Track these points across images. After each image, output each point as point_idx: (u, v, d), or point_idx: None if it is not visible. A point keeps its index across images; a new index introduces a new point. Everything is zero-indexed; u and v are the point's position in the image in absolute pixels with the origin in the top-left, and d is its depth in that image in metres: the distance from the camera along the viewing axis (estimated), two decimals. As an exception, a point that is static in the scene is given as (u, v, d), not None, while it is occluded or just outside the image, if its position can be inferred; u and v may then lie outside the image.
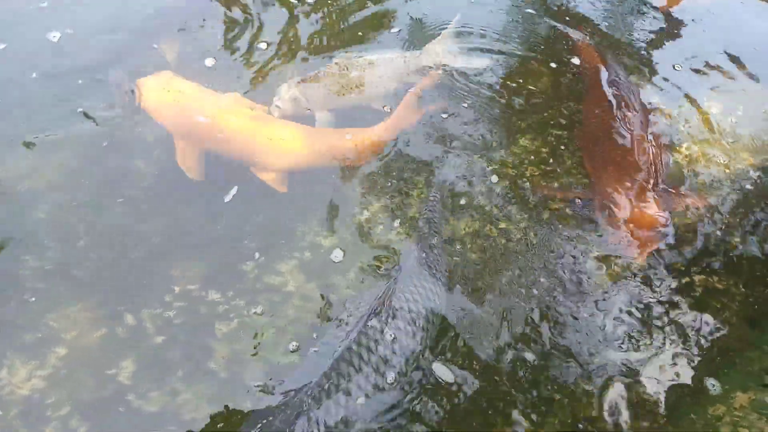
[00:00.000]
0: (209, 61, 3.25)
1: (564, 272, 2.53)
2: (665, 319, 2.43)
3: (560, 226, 2.68)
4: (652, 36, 3.60)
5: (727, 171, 2.92)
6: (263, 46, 3.38)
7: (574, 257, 2.59)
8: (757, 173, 2.92)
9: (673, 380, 2.25)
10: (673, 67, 3.39)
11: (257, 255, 2.60)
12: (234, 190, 2.77)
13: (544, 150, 2.96)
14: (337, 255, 2.61)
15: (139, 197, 2.79)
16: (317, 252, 2.62)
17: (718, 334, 2.39)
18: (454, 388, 2.21)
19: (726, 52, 3.47)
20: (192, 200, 2.78)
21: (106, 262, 2.58)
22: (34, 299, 2.45)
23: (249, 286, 2.52)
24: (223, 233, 2.68)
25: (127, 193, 2.81)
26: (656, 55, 3.48)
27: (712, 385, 2.24)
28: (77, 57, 3.25)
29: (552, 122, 3.08)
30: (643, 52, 3.49)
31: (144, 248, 2.63)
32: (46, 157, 2.90)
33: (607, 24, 3.66)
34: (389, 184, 2.84)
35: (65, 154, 2.91)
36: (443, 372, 2.21)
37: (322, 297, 2.48)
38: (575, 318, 2.42)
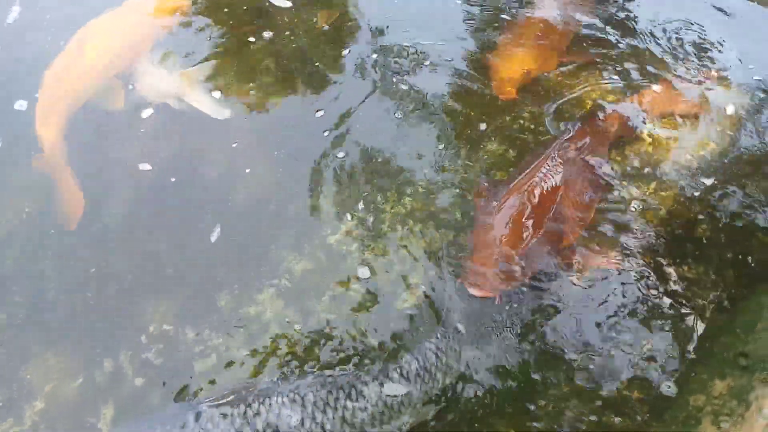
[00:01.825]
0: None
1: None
2: (637, 311, 2.46)
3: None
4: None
5: (690, 157, 2.97)
6: None
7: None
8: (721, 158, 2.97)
9: (651, 375, 2.29)
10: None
11: (231, 285, 2.57)
12: (218, 229, 2.73)
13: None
14: (312, 279, 2.59)
15: (107, 236, 2.74)
16: (293, 277, 2.60)
17: (692, 323, 2.42)
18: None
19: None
20: (161, 235, 2.75)
21: (78, 307, 2.54)
22: (5, 354, 2.40)
23: (225, 319, 2.49)
24: (195, 266, 2.64)
25: (94, 231, 2.76)
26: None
27: (693, 374, 2.28)
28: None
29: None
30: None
31: (115, 288, 2.59)
32: (4, 201, 2.84)
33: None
34: (360, 197, 2.83)
35: (25, 197, 2.85)
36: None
37: (301, 324, 2.46)
38: (549, 316, 2.45)
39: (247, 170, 2.93)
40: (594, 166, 2.83)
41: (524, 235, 2.47)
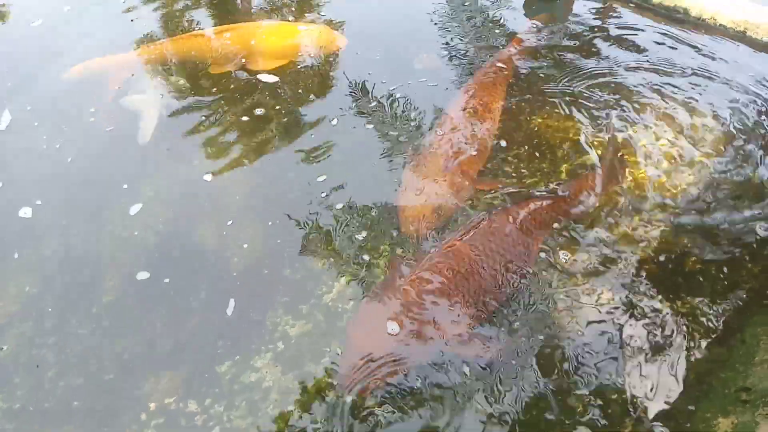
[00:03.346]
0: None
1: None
2: (636, 349, 2.47)
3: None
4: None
5: (674, 191, 3.02)
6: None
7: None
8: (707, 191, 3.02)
9: (651, 413, 2.28)
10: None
11: (230, 354, 2.58)
12: (232, 303, 2.74)
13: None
14: (309, 341, 2.60)
15: (103, 314, 2.76)
16: (289, 341, 2.61)
17: (691, 359, 2.43)
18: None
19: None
20: (155, 309, 2.75)
21: (77, 390, 2.53)
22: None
23: (226, 389, 2.49)
24: (192, 338, 2.65)
25: (91, 311, 2.77)
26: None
27: (696, 412, 2.27)
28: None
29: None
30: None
31: (114, 367, 2.58)
32: (2, 287, 2.86)
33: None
34: (352, 254, 2.87)
35: (20, 282, 2.87)
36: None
37: (301, 388, 2.46)
38: (541, 356, 2.45)
39: (245, 245, 2.95)
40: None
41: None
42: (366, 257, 2.83)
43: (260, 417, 2.40)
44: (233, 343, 2.63)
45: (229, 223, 3.03)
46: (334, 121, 3.49)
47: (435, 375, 2.40)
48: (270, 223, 3.03)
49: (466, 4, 4.37)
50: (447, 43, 4.04)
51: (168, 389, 2.50)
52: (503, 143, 3.29)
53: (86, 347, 2.65)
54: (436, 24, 4.22)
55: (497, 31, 4.09)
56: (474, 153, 3.17)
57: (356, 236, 2.92)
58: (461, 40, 4.05)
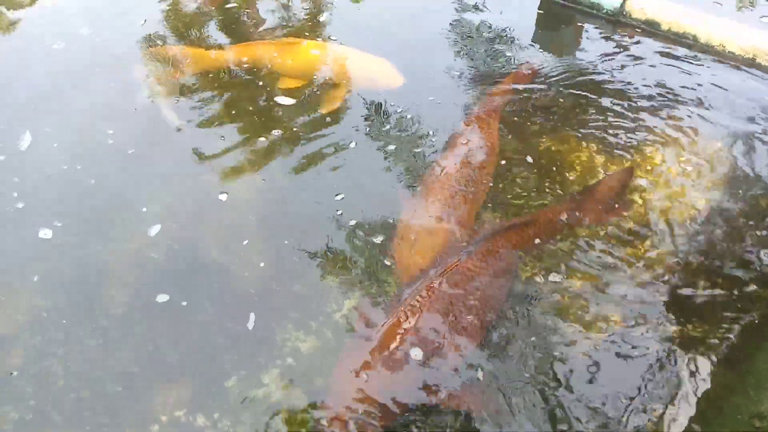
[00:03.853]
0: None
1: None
2: (646, 374, 2.46)
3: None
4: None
5: (685, 215, 3.03)
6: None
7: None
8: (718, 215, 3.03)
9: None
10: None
11: (237, 369, 2.59)
12: (253, 317, 2.76)
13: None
14: (319, 357, 2.61)
15: (112, 327, 2.78)
16: (298, 356, 2.62)
17: (702, 384, 2.41)
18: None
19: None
20: (164, 323, 2.77)
21: (86, 402, 2.54)
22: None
23: (233, 403, 2.49)
24: (200, 352, 2.66)
25: (101, 324, 2.80)
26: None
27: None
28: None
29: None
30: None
31: (123, 380, 2.60)
32: (13, 300, 2.90)
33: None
34: (364, 271, 2.89)
35: (32, 295, 2.90)
36: None
37: (308, 404, 2.46)
38: (552, 380, 2.44)
39: (261, 264, 2.98)
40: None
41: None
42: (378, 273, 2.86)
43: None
44: (240, 357, 2.64)
45: (245, 242, 3.06)
46: (352, 144, 3.52)
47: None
48: (286, 242, 3.05)
49: (473, 31, 4.43)
50: (453, 67, 4.08)
51: (177, 403, 2.51)
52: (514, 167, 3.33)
53: (93, 359, 2.67)
54: (442, 47, 4.28)
55: (502, 59, 4.13)
56: (471, 197, 3.10)
57: (358, 258, 2.95)
58: (467, 65, 4.09)
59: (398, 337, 2.48)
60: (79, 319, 2.81)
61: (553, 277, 2.79)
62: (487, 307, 2.63)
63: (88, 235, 3.13)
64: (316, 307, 2.79)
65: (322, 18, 4.69)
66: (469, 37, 4.33)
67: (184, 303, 2.81)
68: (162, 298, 2.83)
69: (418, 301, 2.57)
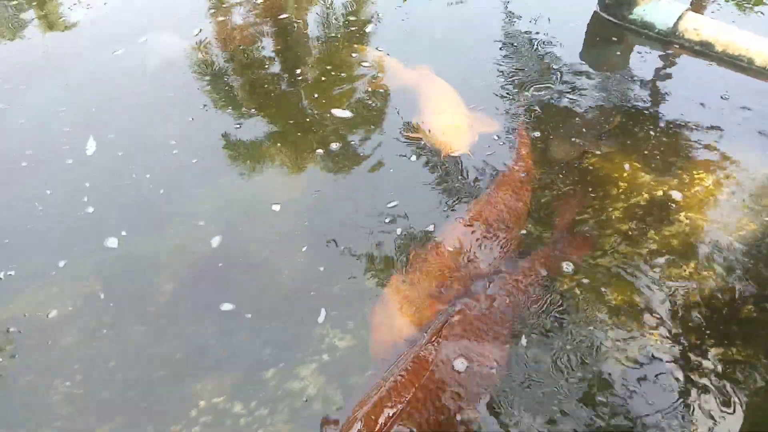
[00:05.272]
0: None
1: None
2: (686, 396, 2.41)
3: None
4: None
5: (730, 236, 2.97)
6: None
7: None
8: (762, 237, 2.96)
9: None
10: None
11: (276, 361, 2.66)
12: (323, 313, 2.82)
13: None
14: (355, 355, 2.66)
15: (159, 315, 2.90)
16: (334, 353, 2.68)
17: (745, 408, 2.35)
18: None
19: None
20: (208, 314, 2.88)
21: (131, 383, 2.65)
22: (65, 425, 2.52)
23: (271, 395, 2.56)
24: (242, 344, 2.75)
25: (148, 311, 2.92)
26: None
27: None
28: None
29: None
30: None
31: (167, 366, 2.70)
32: (70, 284, 3.05)
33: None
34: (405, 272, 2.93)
35: (87, 280, 3.05)
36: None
37: (344, 400, 2.51)
38: (589, 400, 2.42)
39: (303, 248, 3.08)
40: None
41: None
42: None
43: (302, 425, 2.46)
44: (279, 351, 2.71)
45: (291, 245, 3.13)
46: (413, 157, 3.58)
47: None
48: (332, 246, 3.11)
49: (521, 44, 4.47)
50: (499, 83, 4.10)
51: (217, 390, 2.59)
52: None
53: (140, 344, 2.79)
54: (487, 63, 4.33)
55: (553, 75, 4.15)
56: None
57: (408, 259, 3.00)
58: (512, 80, 4.11)
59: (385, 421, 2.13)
60: (131, 307, 2.95)
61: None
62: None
63: (153, 246, 3.22)
64: (356, 307, 2.84)
65: (369, 29, 4.81)
66: (515, 49, 4.37)
67: (249, 315, 2.86)
68: (227, 306, 2.90)
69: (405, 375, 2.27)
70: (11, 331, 2.86)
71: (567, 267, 2.89)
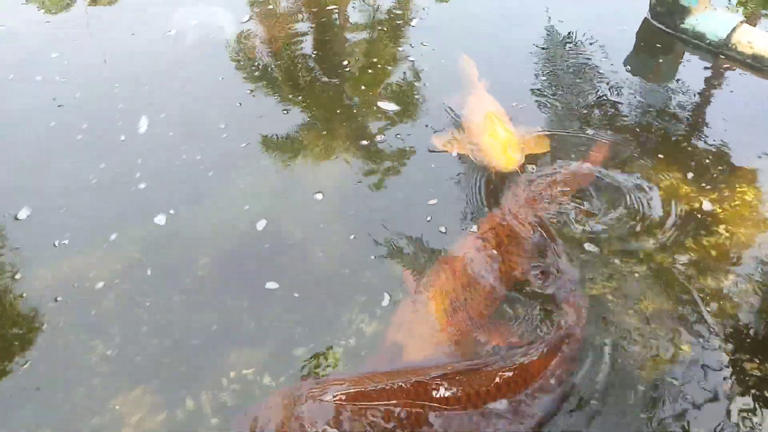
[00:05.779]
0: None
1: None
2: (723, 412, 2.37)
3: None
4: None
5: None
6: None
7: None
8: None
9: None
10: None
11: (307, 341, 2.73)
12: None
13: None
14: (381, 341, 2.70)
15: (196, 287, 3.00)
16: (361, 339, 2.72)
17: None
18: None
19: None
20: (244, 289, 2.97)
21: (166, 349, 2.75)
22: (99, 385, 2.63)
23: (298, 370, 2.63)
24: (275, 322, 2.82)
25: (186, 283, 3.02)
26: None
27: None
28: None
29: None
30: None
31: (201, 335, 2.79)
32: (113, 251, 3.18)
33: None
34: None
35: (135, 254, 3.17)
36: None
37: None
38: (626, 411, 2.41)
39: (345, 236, 3.14)
40: None
41: None
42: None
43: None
44: (310, 331, 2.77)
45: (347, 237, 3.18)
46: (457, 158, 3.59)
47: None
48: (369, 235, 3.16)
49: (564, 50, 4.44)
50: (540, 92, 4.07)
51: (247, 362, 2.67)
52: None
53: (177, 313, 2.89)
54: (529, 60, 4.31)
55: (597, 83, 4.10)
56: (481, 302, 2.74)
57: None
58: (553, 92, 4.07)
59: None
60: (174, 281, 3.05)
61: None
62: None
63: (199, 226, 3.32)
64: (384, 294, 2.89)
65: (414, 23, 4.84)
66: (559, 55, 4.36)
67: (296, 294, 2.93)
68: (271, 285, 2.98)
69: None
70: (58, 296, 2.98)
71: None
